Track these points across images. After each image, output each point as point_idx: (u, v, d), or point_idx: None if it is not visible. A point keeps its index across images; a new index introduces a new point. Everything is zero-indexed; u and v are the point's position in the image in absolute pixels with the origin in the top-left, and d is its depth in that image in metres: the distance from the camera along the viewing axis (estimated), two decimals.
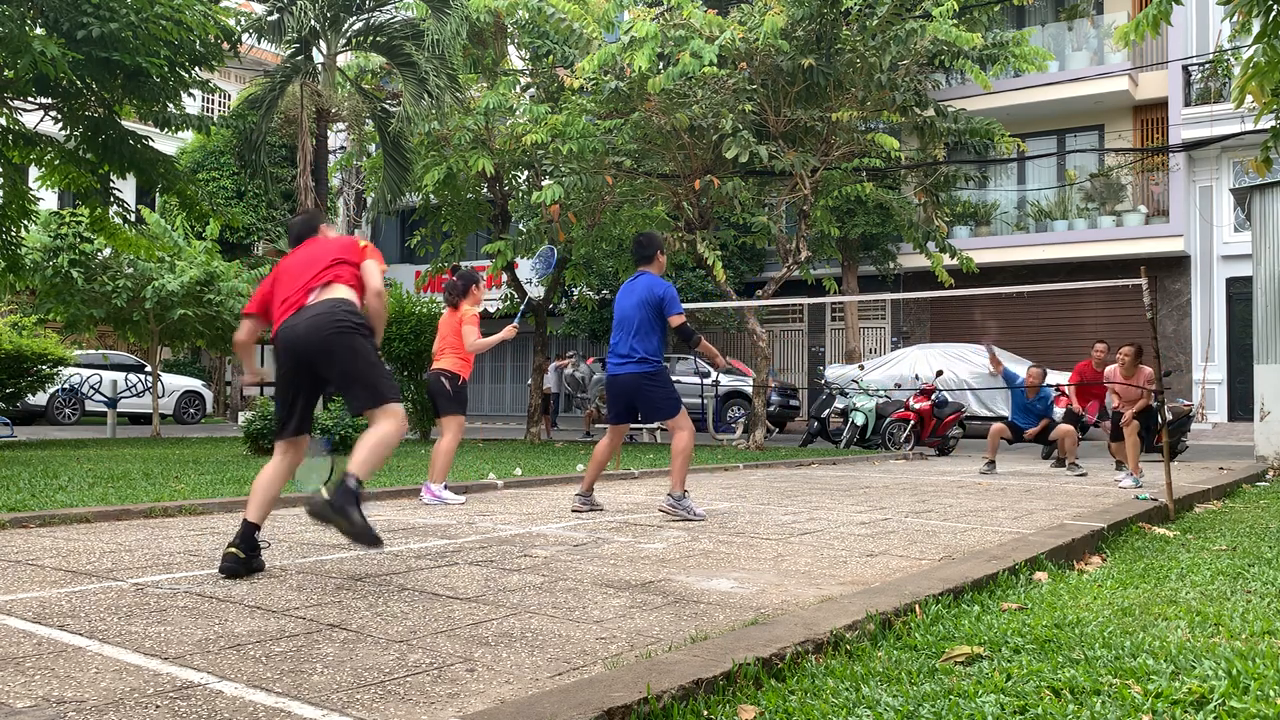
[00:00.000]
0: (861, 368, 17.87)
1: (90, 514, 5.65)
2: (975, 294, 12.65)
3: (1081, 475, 9.86)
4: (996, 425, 10.92)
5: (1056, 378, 15.94)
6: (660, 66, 12.82)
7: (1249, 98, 7.38)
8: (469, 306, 7.28)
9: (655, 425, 16.33)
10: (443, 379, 7.19)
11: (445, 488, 7.10)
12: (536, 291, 21.58)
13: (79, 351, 20.07)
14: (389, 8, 16.19)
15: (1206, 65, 19.35)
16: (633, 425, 14.93)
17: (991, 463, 10.56)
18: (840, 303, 21.65)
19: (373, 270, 4.24)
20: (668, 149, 14.02)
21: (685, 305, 11.54)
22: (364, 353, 3.98)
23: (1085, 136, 21.42)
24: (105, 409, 16.94)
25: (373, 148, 18.33)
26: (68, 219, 15.73)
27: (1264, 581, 4.05)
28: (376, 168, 16.81)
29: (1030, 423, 10.87)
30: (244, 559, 3.99)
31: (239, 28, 13.49)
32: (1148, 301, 6.86)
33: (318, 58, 15.79)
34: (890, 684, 2.56)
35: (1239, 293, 19.20)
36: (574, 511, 6.42)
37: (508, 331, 6.96)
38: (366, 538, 3.73)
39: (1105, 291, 19.15)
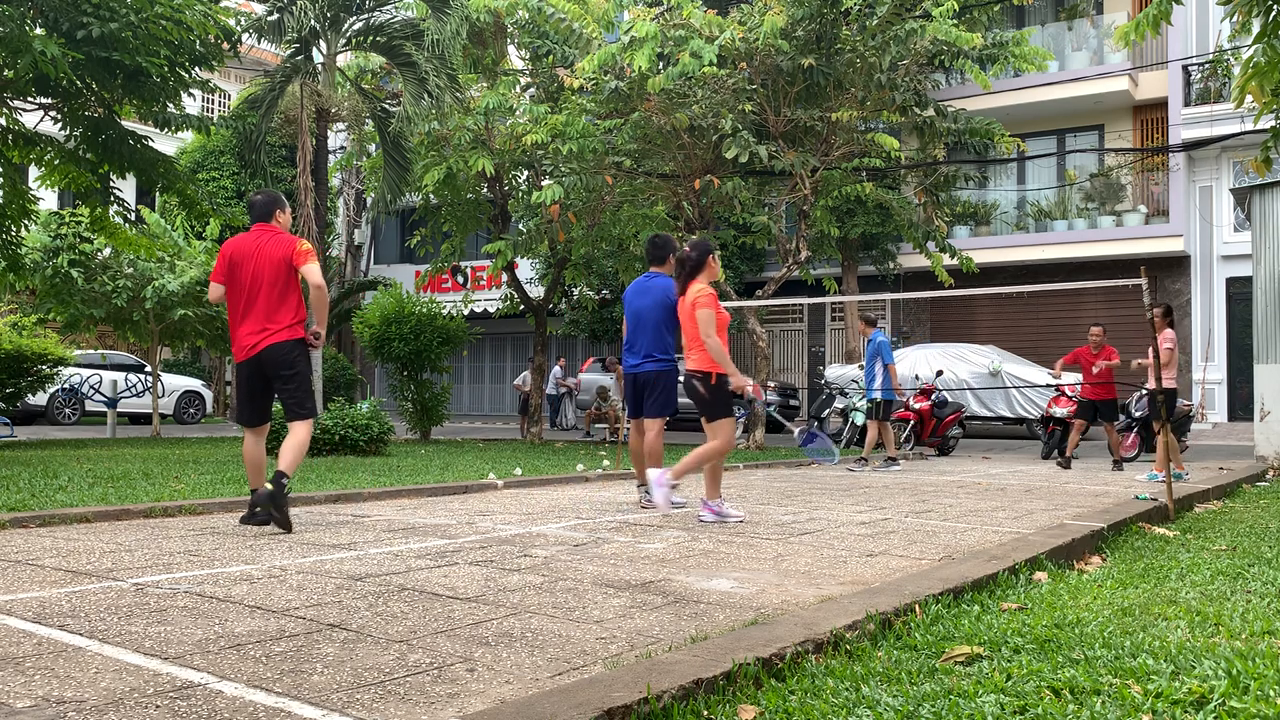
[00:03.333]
0: (861, 367, 17.85)
1: (90, 514, 5.64)
2: (975, 294, 12.64)
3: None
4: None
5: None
6: (660, 66, 12.82)
7: (1249, 98, 7.38)
8: (700, 285, 6.05)
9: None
10: (694, 381, 6.05)
11: (724, 502, 6.10)
12: (537, 291, 21.56)
13: (79, 351, 20.06)
14: (389, 8, 16.20)
15: (1206, 65, 19.34)
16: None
17: (890, 459, 10.94)
18: (840, 303, 21.65)
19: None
20: (668, 149, 14.02)
21: None
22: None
23: (1085, 136, 21.41)
24: (105, 409, 16.94)
25: (373, 148, 18.34)
26: (68, 219, 15.73)
27: (1264, 581, 4.05)
28: (376, 168, 16.81)
29: (869, 373, 11.04)
30: None
31: (239, 28, 13.49)
32: (1147, 302, 6.86)
33: (318, 58, 15.79)
34: (890, 684, 2.56)
35: (1239, 293, 19.20)
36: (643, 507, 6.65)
37: (744, 387, 5.97)
38: None
39: (1105, 291, 19.15)
